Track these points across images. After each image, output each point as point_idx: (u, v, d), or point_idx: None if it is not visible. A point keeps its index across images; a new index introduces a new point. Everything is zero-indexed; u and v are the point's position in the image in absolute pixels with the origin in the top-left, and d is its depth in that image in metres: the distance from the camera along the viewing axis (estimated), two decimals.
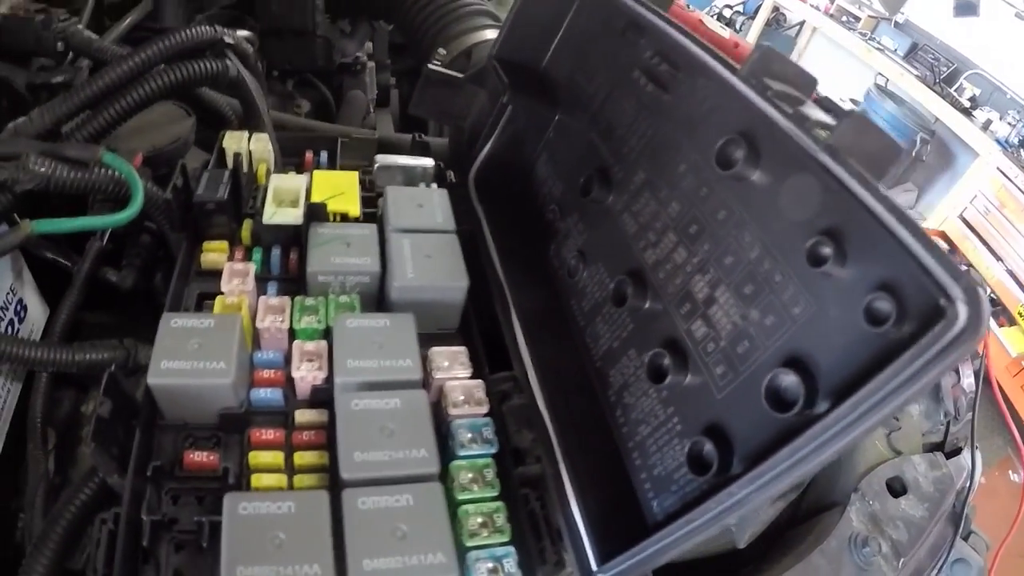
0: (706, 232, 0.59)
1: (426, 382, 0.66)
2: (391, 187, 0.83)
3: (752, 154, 0.55)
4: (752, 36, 6.27)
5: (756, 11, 6.27)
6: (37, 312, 0.92)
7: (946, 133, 4.82)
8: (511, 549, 0.57)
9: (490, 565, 0.56)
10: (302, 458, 0.61)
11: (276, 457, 0.61)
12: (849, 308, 0.44)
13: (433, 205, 0.81)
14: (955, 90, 4.73)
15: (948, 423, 0.92)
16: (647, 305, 0.64)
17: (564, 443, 0.63)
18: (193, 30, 0.86)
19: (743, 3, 6.47)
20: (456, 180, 0.93)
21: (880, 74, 5.20)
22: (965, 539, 0.85)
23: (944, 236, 4.52)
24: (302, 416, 0.64)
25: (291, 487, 0.60)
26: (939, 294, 0.38)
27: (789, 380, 0.47)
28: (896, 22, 5.40)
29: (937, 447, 0.91)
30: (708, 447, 0.52)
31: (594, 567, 0.56)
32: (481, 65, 0.97)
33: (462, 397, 0.65)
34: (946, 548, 0.82)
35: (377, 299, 0.75)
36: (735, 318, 0.54)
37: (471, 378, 0.67)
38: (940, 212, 4.62)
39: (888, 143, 0.48)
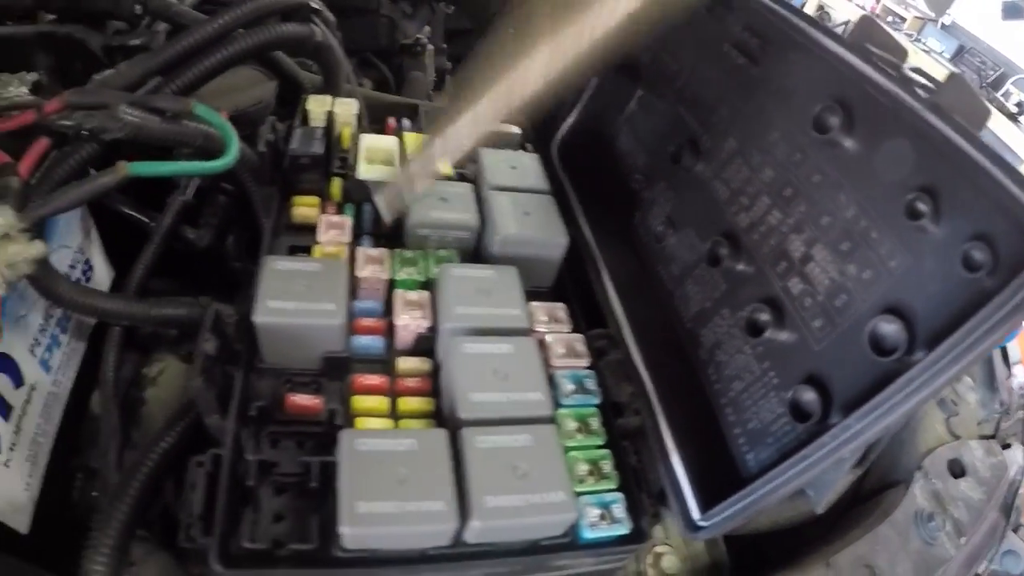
0: (801, 195, 0.61)
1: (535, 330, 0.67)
2: (485, 150, 0.83)
3: (847, 119, 0.58)
4: None
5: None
6: (103, 273, 0.92)
7: (992, 139, 4.82)
8: (619, 495, 0.58)
9: (599, 511, 0.57)
10: (407, 404, 0.62)
11: (381, 402, 0.61)
12: (946, 258, 0.47)
13: (526, 167, 0.82)
14: (1002, 95, 4.72)
15: (1000, 417, 0.93)
16: (741, 266, 0.65)
17: (662, 398, 0.65)
18: None
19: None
20: (535, 150, 0.93)
21: None
22: (1015, 531, 0.85)
23: None
24: (405, 363, 0.64)
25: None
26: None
27: (890, 328, 0.49)
28: (943, 24, 5.40)
29: (988, 440, 0.91)
30: (809, 395, 0.54)
31: (696, 516, 0.57)
32: None
33: (563, 350, 0.65)
34: (997, 538, 0.82)
35: (473, 254, 0.76)
36: (833, 274, 0.56)
37: (572, 331, 0.67)
38: None
39: (981, 104, 0.52)
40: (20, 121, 0.75)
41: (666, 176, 0.79)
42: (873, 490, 0.82)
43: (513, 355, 0.60)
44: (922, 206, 0.49)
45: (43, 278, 0.69)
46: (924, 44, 5.29)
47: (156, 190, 0.88)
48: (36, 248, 0.63)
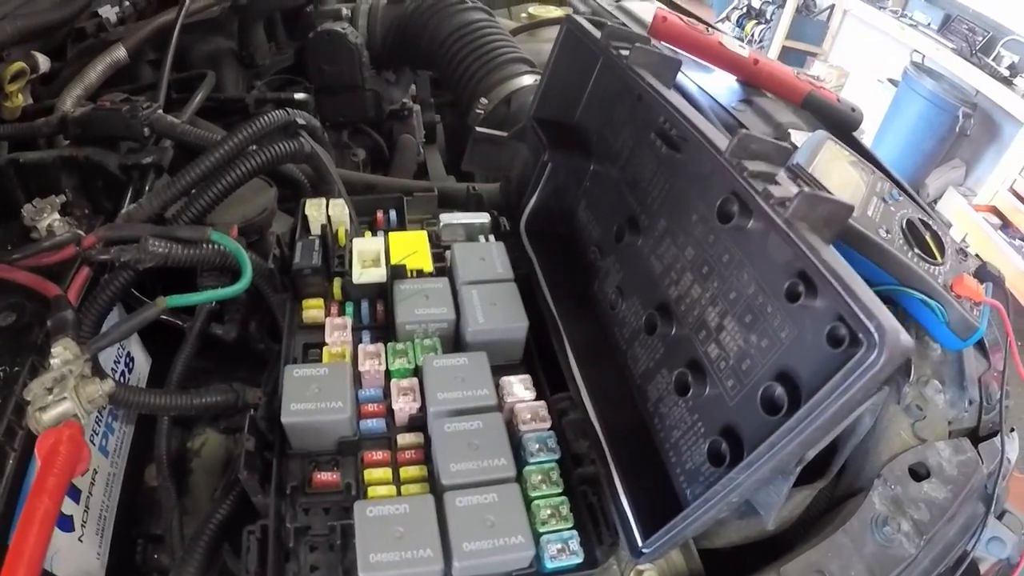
0: (715, 272, 0.80)
1: (500, 405, 0.89)
2: (457, 245, 1.07)
3: (744, 210, 0.75)
4: (783, 25, 6.53)
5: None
6: (142, 362, 1.17)
7: (988, 105, 4.96)
8: (574, 532, 0.80)
9: (559, 545, 0.79)
10: (406, 472, 0.85)
11: (386, 473, 0.85)
12: (817, 333, 0.64)
13: (493, 258, 1.05)
14: (993, 59, 4.84)
15: (981, 409, 1.06)
16: (673, 332, 0.85)
17: (613, 448, 0.85)
18: (269, 116, 1.09)
19: None
20: (509, 227, 1.15)
21: (916, 51, 5.36)
22: (1000, 518, 0.96)
23: (996, 211, 4.66)
24: (403, 439, 0.88)
25: (400, 495, 0.83)
26: (866, 332, 0.57)
27: (779, 390, 0.67)
28: None
29: (970, 433, 1.03)
30: (723, 445, 0.73)
31: (639, 542, 0.77)
32: (521, 123, 1.19)
33: (529, 416, 0.88)
34: (979, 527, 0.93)
35: (454, 339, 0.99)
36: (739, 341, 0.74)
37: (535, 400, 0.90)
38: (990, 186, 4.80)
39: (837, 207, 0.67)
40: (63, 256, 0.99)
41: (615, 249, 0.99)
42: (839, 498, 0.96)
43: (483, 430, 0.84)
44: (799, 288, 0.66)
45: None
46: (911, 18, 5.44)
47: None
48: (108, 385, 0.86)
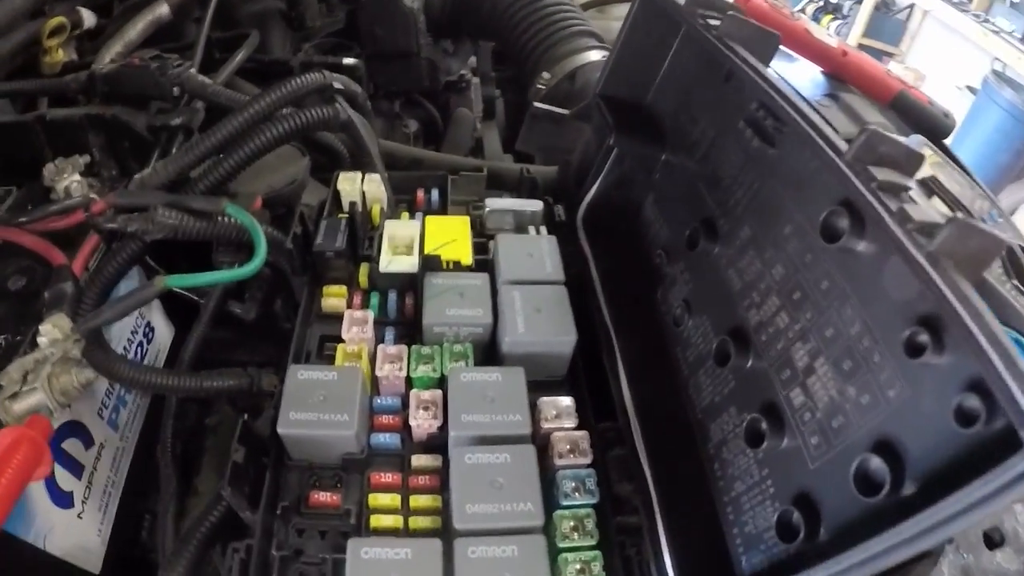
0: (809, 300, 0.64)
1: (535, 431, 0.76)
2: (502, 236, 0.93)
3: (857, 226, 0.59)
4: (860, 22, 6.27)
5: None
6: (163, 333, 1.08)
7: None
8: None
9: None
10: (417, 500, 0.73)
11: (394, 499, 0.73)
12: (942, 402, 0.49)
13: (543, 254, 0.91)
14: None
15: None
16: (749, 365, 0.70)
17: (662, 498, 0.72)
18: (303, 79, 0.98)
19: None
20: (564, 217, 1.03)
21: (997, 59, 5.07)
22: None
23: None
24: (418, 461, 0.76)
25: (407, 527, 0.71)
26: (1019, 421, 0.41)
27: (877, 464, 0.53)
28: (1012, 1, 5.26)
29: None
30: (796, 516, 0.59)
31: None
32: (586, 101, 1.06)
33: (568, 447, 0.74)
34: None
35: (488, 346, 0.86)
36: (832, 392, 0.59)
37: (577, 428, 0.76)
38: None
39: (990, 241, 0.50)
40: (70, 221, 0.91)
41: (685, 255, 0.85)
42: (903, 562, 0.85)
43: (511, 465, 0.70)
44: (923, 339, 0.50)
45: (103, 361, 0.82)
46: (993, 24, 5.13)
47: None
48: (85, 376, 0.76)
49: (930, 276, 0.49)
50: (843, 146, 0.60)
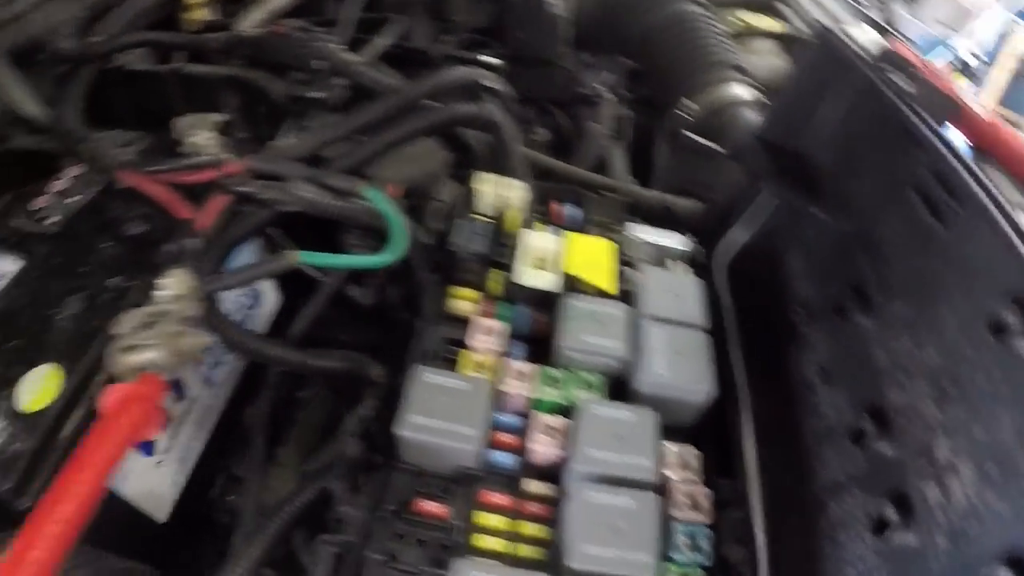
0: (961, 395, 0.61)
1: (664, 480, 0.74)
2: (649, 269, 0.91)
3: None
4: (994, 87, 5.89)
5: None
6: (271, 300, 1.10)
7: None
8: None
9: None
10: (527, 528, 0.71)
11: (502, 522, 0.71)
12: None
13: (688, 297, 0.88)
14: None
15: None
16: (883, 449, 0.67)
17: (771, 570, 0.70)
18: (456, 72, 0.98)
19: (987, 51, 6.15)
20: (704, 258, 1.00)
21: None
22: None
23: None
24: (532, 487, 0.74)
25: (511, 554, 0.69)
26: None
27: None
28: None
29: None
30: None
31: None
32: (730, 136, 1.03)
33: (687, 501, 0.73)
34: None
35: (617, 381, 0.83)
36: (971, 495, 0.56)
37: (698, 483, 0.74)
38: None
39: None
40: (201, 177, 0.91)
41: (827, 318, 0.82)
42: None
43: (633, 511, 0.68)
44: None
45: (216, 323, 0.83)
46: None
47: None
48: (203, 340, 0.75)
49: None
50: None
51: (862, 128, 0.88)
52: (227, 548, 0.99)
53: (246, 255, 0.96)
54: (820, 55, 0.92)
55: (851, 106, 0.90)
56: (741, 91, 1.29)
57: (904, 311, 0.71)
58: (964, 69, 6.08)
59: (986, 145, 1.24)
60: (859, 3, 1.89)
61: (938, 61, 6.32)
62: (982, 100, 5.88)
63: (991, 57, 5.87)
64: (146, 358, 0.73)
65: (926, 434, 0.63)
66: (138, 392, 0.72)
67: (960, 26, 5.83)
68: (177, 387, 0.89)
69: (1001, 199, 0.63)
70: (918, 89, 0.78)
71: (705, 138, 1.16)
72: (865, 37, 1.63)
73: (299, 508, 0.81)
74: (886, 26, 1.96)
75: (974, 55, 5.90)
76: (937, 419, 0.62)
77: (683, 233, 1.01)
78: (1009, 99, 5.74)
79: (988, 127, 1.24)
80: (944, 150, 0.70)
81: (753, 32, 1.76)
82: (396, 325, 1.06)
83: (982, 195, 0.63)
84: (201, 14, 1.27)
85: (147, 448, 0.85)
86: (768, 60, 1.73)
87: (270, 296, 1.09)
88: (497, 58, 1.34)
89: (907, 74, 0.79)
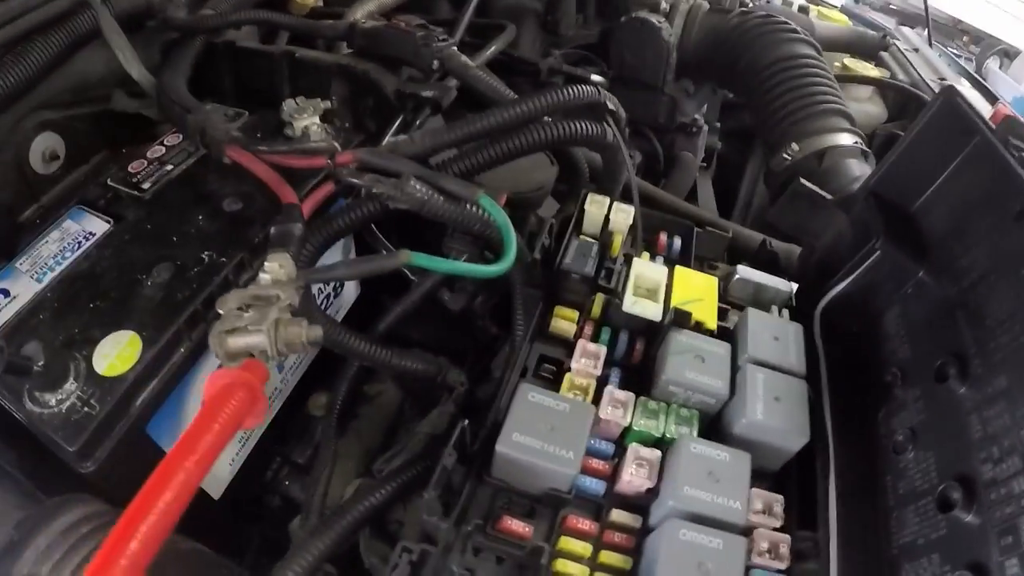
0: None
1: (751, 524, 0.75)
2: (752, 312, 0.92)
3: None
4: None
5: None
6: (350, 291, 1.12)
7: None
8: None
9: None
10: (608, 557, 0.73)
11: (585, 548, 0.72)
12: None
13: (789, 342, 0.89)
14: None
15: None
16: (967, 519, 0.68)
17: None
18: (579, 90, 0.99)
19: None
20: (800, 303, 1.01)
21: None
22: None
23: None
24: (618, 516, 0.75)
25: None
26: None
27: None
28: None
29: None
30: None
31: None
32: (834, 185, 1.03)
33: (767, 547, 0.73)
34: None
35: (713, 420, 0.85)
36: None
37: (779, 529, 0.75)
38: None
39: None
40: (311, 164, 0.93)
41: (923, 383, 0.82)
42: None
43: (721, 553, 0.69)
44: None
45: (306, 312, 0.83)
46: None
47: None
48: (315, 332, 0.76)
49: None
50: None
51: (976, 196, 0.87)
52: (275, 534, 1.03)
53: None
54: (942, 115, 0.91)
55: (966, 172, 0.90)
56: (846, 139, 1.29)
57: (1005, 385, 0.71)
58: None
59: None
60: (957, 59, 1.89)
61: None
62: None
63: None
64: (251, 341, 0.73)
65: (1014, 509, 0.63)
66: (243, 378, 0.72)
67: None
68: None
69: None
70: None
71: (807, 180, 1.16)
72: (969, 95, 1.63)
73: (372, 508, 0.83)
74: (988, 86, 1.96)
75: None
76: None
77: (783, 277, 1.01)
78: None
79: None
80: None
81: (853, 77, 1.76)
82: (478, 333, 1.07)
83: None
84: (310, 0, 1.31)
85: None
86: (865, 107, 1.73)
87: (350, 287, 1.11)
88: (603, 75, 1.35)
89: None
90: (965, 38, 6.75)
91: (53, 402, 0.75)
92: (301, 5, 1.30)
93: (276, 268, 0.79)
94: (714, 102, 1.72)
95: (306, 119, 1.00)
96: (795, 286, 1.00)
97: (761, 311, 0.93)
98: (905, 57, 1.87)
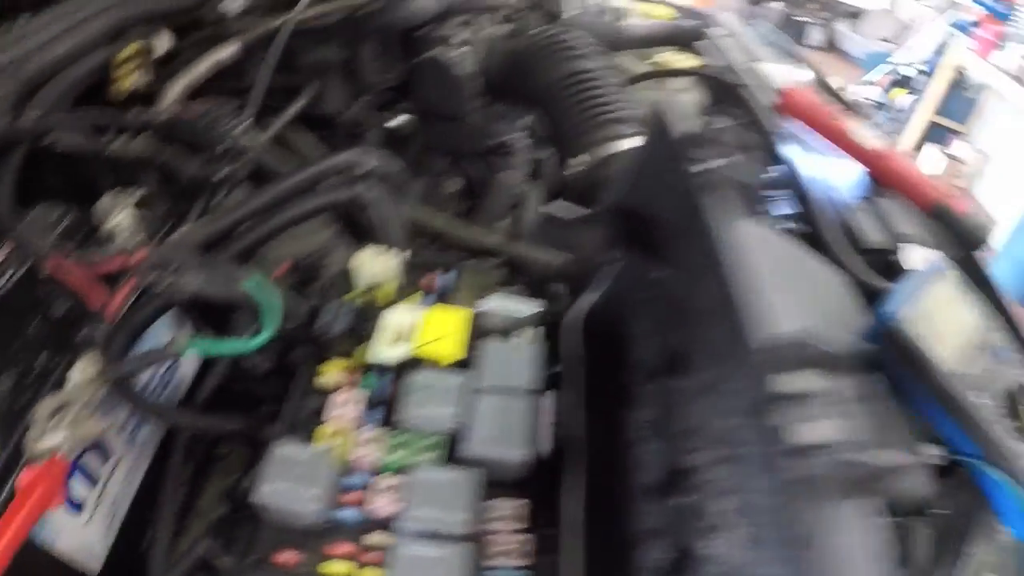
0: (734, 461, 0.72)
1: (480, 530, 0.88)
2: (489, 343, 1.05)
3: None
4: (931, 98, 6.12)
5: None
6: (189, 362, 1.21)
7: None
8: None
9: None
10: (370, 573, 0.86)
11: (346, 567, 0.87)
12: None
13: (524, 362, 1.03)
14: None
15: None
16: (679, 503, 0.80)
17: None
18: (333, 160, 1.14)
19: (926, 62, 6.26)
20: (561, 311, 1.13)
21: None
22: None
23: None
24: (372, 538, 0.89)
25: None
26: None
27: None
28: None
29: None
30: None
31: None
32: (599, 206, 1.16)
33: (505, 550, 0.87)
34: None
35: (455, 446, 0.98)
36: (739, 556, 0.68)
37: (524, 531, 0.89)
38: None
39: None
40: (111, 267, 1.05)
41: (658, 379, 0.93)
42: None
43: (444, 561, 0.83)
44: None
45: (128, 398, 0.99)
46: None
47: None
48: (99, 427, 0.91)
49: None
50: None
51: (687, 208, 0.96)
52: None
53: (162, 329, 1.09)
54: (655, 133, 1.00)
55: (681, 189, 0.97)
56: (630, 143, 1.41)
57: (708, 378, 0.81)
58: (905, 82, 6.18)
59: (878, 173, 1.36)
60: (805, 23, 2.00)
61: (881, 75, 6.44)
62: (921, 110, 6.09)
63: (931, 68, 6.00)
64: (53, 441, 0.88)
65: (708, 499, 0.75)
66: (43, 473, 0.87)
67: (901, 41, 5.94)
68: (102, 449, 1.02)
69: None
70: (714, 181, 0.85)
71: (593, 189, 1.28)
72: (786, 76, 1.74)
73: (195, 561, 0.97)
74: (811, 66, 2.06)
75: (916, 68, 6.02)
76: (717, 483, 0.74)
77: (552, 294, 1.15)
78: (946, 108, 6.11)
79: (875, 158, 1.36)
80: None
81: (667, 72, 1.89)
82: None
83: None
84: (130, 81, 1.33)
85: (76, 507, 0.96)
86: (684, 97, 1.85)
87: (186, 361, 1.21)
88: (409, 113, 1.48)
89: (708, 162, 0.88)
90: (815, 5, 7.24)
91: None
92: (119, 92, 1.33)
93: (82, 370, 0.94)
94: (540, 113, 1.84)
95: (118, 215, 1.10)
96: (536, 308, 1.11)
97: (497, 341, 1.07)
98: (720, 43, 2.00)
